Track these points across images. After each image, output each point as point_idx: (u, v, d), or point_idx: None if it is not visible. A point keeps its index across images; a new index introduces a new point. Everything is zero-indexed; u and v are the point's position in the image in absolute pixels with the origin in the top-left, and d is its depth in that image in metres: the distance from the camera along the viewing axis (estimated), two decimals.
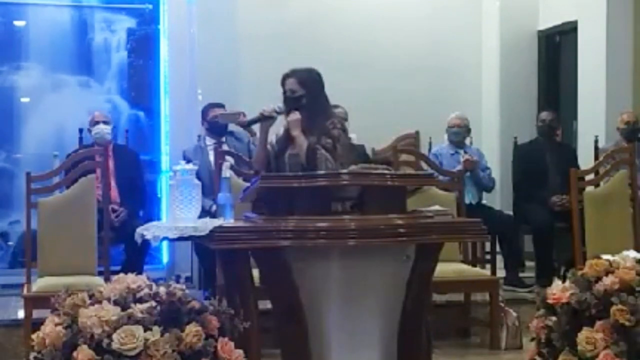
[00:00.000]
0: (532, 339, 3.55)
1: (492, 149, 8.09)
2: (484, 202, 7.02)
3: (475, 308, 5.95)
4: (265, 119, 4.68)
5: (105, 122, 6.40)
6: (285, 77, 4.71)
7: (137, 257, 5.96)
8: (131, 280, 3.07)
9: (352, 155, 4.78)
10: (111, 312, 2.91)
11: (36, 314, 4.90)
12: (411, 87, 8.24)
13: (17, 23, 8.06)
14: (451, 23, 8.44)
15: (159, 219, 6.65)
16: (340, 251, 3.59)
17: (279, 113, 4.67)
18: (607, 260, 3.49)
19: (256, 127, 5.38)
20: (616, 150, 6.08)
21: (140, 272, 3.17)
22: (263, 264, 3.65)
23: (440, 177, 6.02)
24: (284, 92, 4.71)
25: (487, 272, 6.22)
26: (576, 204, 5.46)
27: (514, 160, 7.20)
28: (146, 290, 3.02)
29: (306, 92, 4.67)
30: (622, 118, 6.86)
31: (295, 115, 4.62)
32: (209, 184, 5.60)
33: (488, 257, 6.70)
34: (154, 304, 2.96)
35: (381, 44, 8.22)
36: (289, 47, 7.86)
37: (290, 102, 4.66)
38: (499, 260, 6.69)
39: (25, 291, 5.13)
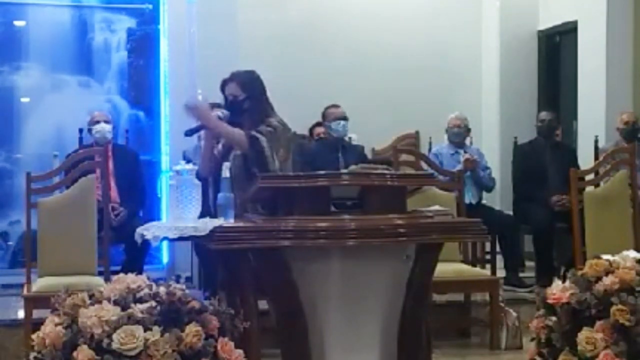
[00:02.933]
0: (532, 339, 3.55)
1: (492, 149, 8.09)
2: (484, 202, 7.03)
3: (475, 308, 5.95)
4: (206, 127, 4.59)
5: (106, 122, 6.40)
6: (225, 82, 4.60)
7: (137, 257, 5.96)
8: (131, 280, 3.07)
9: (291, 144, 4.63)
10: (111, 312, 2.91)
11: (36, 314, 4.90)
12: (411, 87, 8.25)
13: (17, 23, 8.05)
14: (451, 23, 8.45)
15: (159, 219, 6.64)
16: (340, 251, 3.59)
17: (222, 118, 4.57)
18: (607, 260, 3.49)
19: None
20: (616, 150, 6.08)
21: (140, 272, 3.17)
22: (263, 264, 3.65)
23: (440, 177, 6.02)
24: (225, 98, 4.60)
25: (487, 272, 6.22)
26: (576, 204, 5.46)
27: (514, 160, 7.20)
28: (146, 290, 3.02)
29: (248, 95, 4.55)
30: (622, 118, 6.86)
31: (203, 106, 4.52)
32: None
33: (488, 257, 6.70)
34: (154, 304, 2.96)
35: (381, 44, 8.23)
36: (289, 47, 7.87)
37: (233, 107, 4.54)
38: (499, 260, 6.69)
39: (25, 291, 5.13)
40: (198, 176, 3.93)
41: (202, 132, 4.77)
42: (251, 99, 4.55)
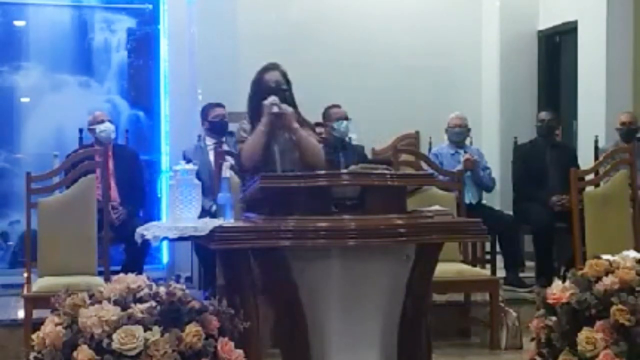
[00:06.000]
0: (532, 339, 3.55)
1: (492, 149, 8.09)
2: (483, 202, 7.02)
3: (475, 308, 5.95)
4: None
5: (109, 121, 6.42)
6: (268, 69, 4.59)
7: (137, 257, 5.95)
8: (131, 280, 3.07)
9: None
10: (111, 312, 2.91)
11: (36, 314, 4.90)
12: (411, 87, 8.24)
13: (17, 23, 8.07)
14: (451, 23, 8.44)
15: (159, 219, 6.64)
16: (341, 251, 3.59)
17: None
18: (607, 260, 3.49)
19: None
20: (616, 150, 6.08)
21: (140, 272, 3.17)
22: (263, 264, 3.65)
23: (440, 177, 6.02)
24: (265, 83, 4.56)
25: (487, 272, 6.22)
26: (576, 204, 5.46)
27: (514, 160, 7.20)
28: (146, 290, 3.02)
29: (288, 87, 4.60)
30: (619, 119, 6.86)
31: (289, 108, 4.52)
32: (209, 184, 5.59)
33: (488, 257, 6.70)
34: (154, 304, 2.96)
35: (381, 43, 8.22)
36: (289, 47, 7.85)
37: (278, 94, 4.52)
38: (499, 260, 6.69)
39: (25, 291, 5.13)
40: (198, 176, 3.93)
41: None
42: (290, 92, 4.61)
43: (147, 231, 3.73)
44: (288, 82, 4.63)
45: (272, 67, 4.64)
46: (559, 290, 3.43)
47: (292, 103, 4.60)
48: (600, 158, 6.08)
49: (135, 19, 8.25)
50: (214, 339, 2.98)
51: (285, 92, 4.57)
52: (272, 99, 4.48)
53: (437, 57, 8.35)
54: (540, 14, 8.46)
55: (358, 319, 3.63)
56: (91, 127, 6.40)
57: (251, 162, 4.45)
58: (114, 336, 2.86)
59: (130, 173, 6.47)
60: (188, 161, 4.17)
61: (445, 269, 5.02)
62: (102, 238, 5.37)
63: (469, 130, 7.07)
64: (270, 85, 4.56)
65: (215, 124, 6.49)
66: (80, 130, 6.68)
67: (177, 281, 3.41)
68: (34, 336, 3.02)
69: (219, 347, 2.97)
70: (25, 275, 5.28)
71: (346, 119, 6.57)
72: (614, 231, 5.35)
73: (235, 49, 7.31)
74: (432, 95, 8.25)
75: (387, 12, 8.31)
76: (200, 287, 6.54)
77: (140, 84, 8.23)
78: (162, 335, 2.88)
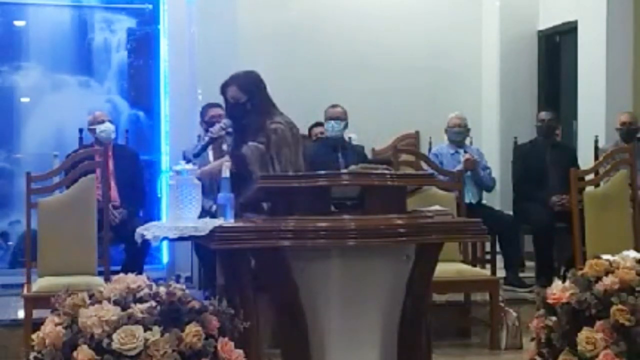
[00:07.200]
0: (532, 339, 3.56)
1: (492, 149, 8.09)
2: (484, 201, 7.02)
3: (475, 308, 5.95)
4: (214, 141, 4.58)
5: (109, 121, 6.42)
6: (225, 86, 4.58)
7: (137, 257, 5.95)
8: (131, 280, 3.07)
9: (300, 147, 4.58)
10: (111, 312, 2.91)
11: (36, 314, 4.90)
12: (411, 87, 8.24)
13: (17, 23, 8.07)
14: (451, 23, 8.44)
15: (159, 219, 6.64)
16: (341, 251, 3.60)
17: (225, 129, 4.55)
18: (607, 260, 3.49)
19: None
20: (616, 150, 6.08)
21: (140, 272, 3.17)
22: (263, 264, 3.65)
23: (440, 177, 6.02)
24: (226, 102, 4.59)
25: (487, 272, 6.22)
26: (576, 204, 5.46)
27: (513, 160, 7.20)
28: (146, 290, 3.02)
29: (249, 97, 4.54)
30: (620, 119, 6.86)
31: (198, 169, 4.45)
32: (209, 184, 5.59)
33: (488, 257, 6.70)
34: (154, 304, 2.96)
35: (381, 44, 8.22)
36: (289, 47, 7.87)
37: (235, 111, 4.54)
38: (499, 260, 6.69)
39: (25, 291, 5.13)
40: (198, 176, 3.93)
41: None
42: (253, 100, 4.54)
43: (147, 231, 3.73)
44: (250, 89, 4.55)
45: (228, 82, 4.59)
46: (559, 290, 3.43)
47: (259, 108, 4.54)
48: (600, 158, 6.08)
49: (135, 19, 8.25)
50: (214, 339, 2.98)
51: (244, 105, 4.53)
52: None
53: (437, 57, 8.35)
54: (540, 14, 8.47)
55: (358, 318, 3.63)
56: (91, 127, 6.40)
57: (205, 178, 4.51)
58: (114, 336, 2.86)
59: (130, 173, 6.48)
60: (188, 161, 4.17)
61: (445, 269, 5.02)
62: (102, 238, 5.37)
63: (468, 130, 7.07)
64: (229, 104, 4.58)
65: (210, 125, 6.47)
66: (80, 130, 6.68)
67: (177, 281, 3.42)
68: (34, 336, 3.02)
69: (219, 347, 2.97)
70: (25, 275, 5.28)
71: (337, 119, 6.55)
72: (614, 231, 5.36)
73: (235, 49, 7.31)
74: (432, 96, 8.26)
75: (387, 12, 8.31)
76: (200, 287, 6.54)
77: (140, 84, 8.23)
78: (162, 335, 2.88)
